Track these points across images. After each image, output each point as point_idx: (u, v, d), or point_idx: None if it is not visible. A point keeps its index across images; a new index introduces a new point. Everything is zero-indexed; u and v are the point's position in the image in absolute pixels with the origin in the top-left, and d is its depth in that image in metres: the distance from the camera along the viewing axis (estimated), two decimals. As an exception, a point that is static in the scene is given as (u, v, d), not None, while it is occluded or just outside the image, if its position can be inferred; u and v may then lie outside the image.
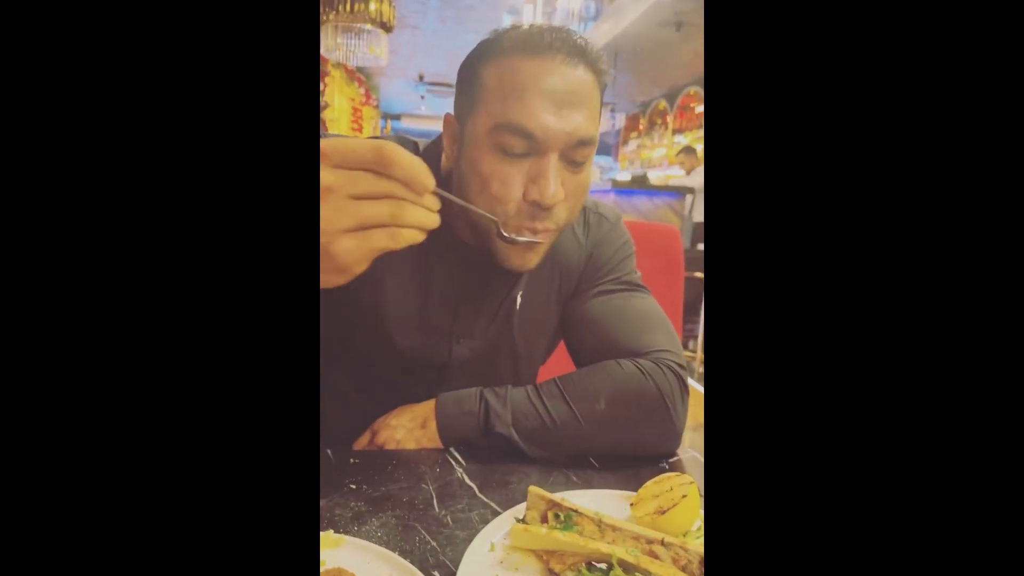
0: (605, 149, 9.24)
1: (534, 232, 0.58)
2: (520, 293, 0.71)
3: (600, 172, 7.81)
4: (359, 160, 0.39)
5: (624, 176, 6.78)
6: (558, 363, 0.85)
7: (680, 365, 0.66)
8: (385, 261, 0.67)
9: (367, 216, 0.39)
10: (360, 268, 0.41)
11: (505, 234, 0.57)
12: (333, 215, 0.38)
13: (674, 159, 6.19)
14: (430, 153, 0.69)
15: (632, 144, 8.55)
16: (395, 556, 0.43)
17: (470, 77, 0.59)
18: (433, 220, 0.42)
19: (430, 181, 0.40)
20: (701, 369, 3.44)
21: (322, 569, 0.41)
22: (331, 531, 0.46)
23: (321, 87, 4.39)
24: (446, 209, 0.66)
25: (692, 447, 0.69)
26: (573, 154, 0.57)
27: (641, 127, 8.23)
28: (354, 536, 0.47)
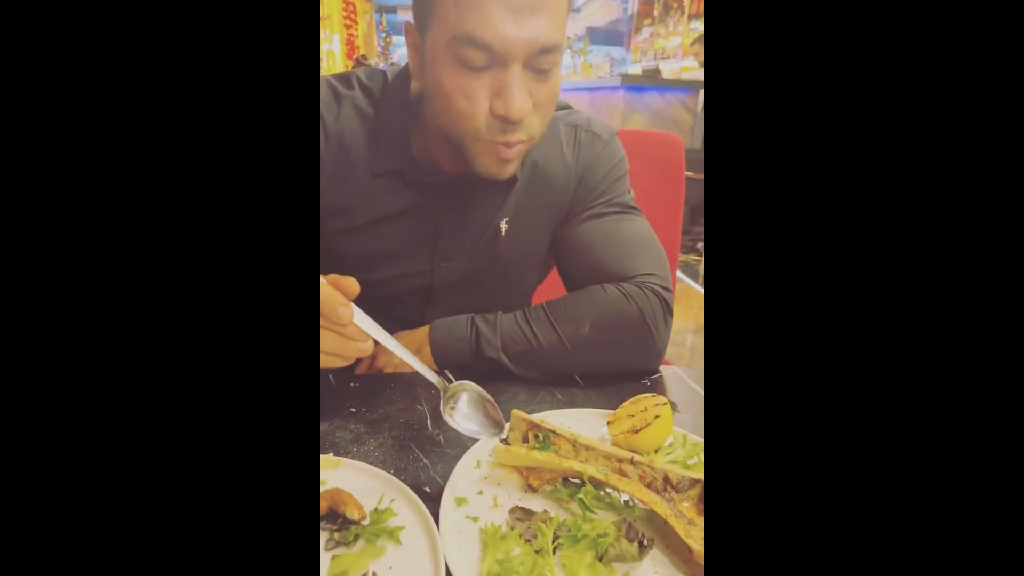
0: (616, 39, 8.58)
1: (507, 146, 0.57)
2: (505, 220, 0.70)
3: (610, 65, 7.34)
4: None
5: (635, 69, 6.37)
6: (555, 286, 0.87)
7: (664, 288, 0.67)
8: (353, 205, 0.66)
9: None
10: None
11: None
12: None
13: (689, 49, 5.76)
14: (399, 84, 0.66)
15: (645, 32, 7.93)
16: (388, 475, 0.48)
17: None
18: (352, 348, 0.44)
19: (339, 316, 0.41)
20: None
21: (321, 489, 0.45)
22: (331, 454, 0.51)
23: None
24: (422, 136, 0.65)
25: (695, 353, 0.72)
26: (537, 62, 0.53)
27: (656, 13, 7.58)
28: (353, 457, 0.51)
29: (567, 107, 0.76)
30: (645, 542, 0.39)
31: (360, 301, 0.57)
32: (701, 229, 3.65)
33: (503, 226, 0.70)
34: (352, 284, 0.43)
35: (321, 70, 4.96)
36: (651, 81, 4.23)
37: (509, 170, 0.60)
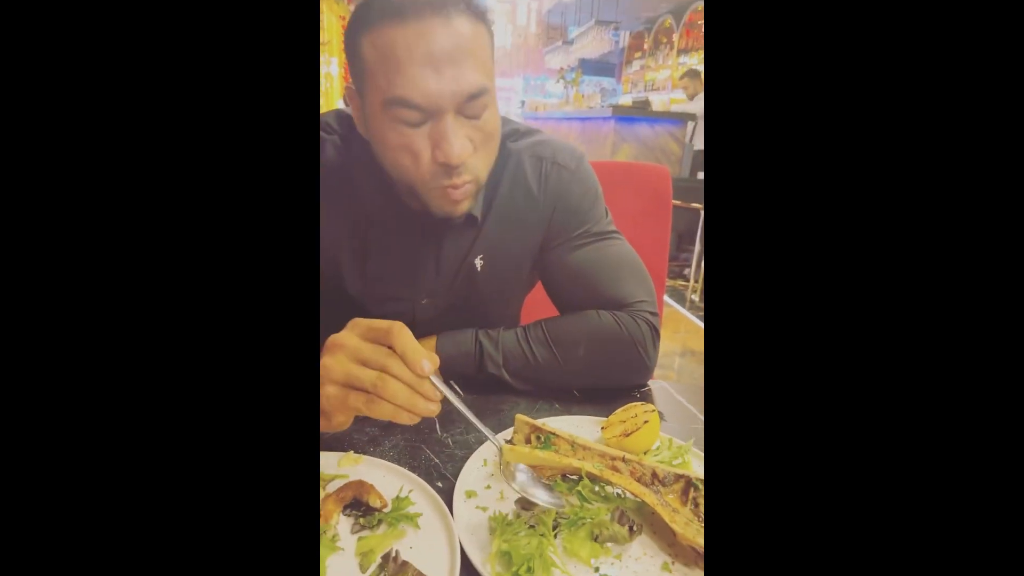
0: (608, 70, 8.86)
1: (455, 188, 0.59)
2: (480, 257, 0.73)
3: (601, 96, 7.55)
4: (374, 333, 0.45)
5: (626, 100, 6.57)
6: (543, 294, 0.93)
7: (652, 313, 0.73)
8: (341, 241, 0.69)
9: (353, 377, 0.45)
10: (340, 419, 0.47)
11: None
12: (331, 365, 0.45)
13: (678, 82, 5.98)
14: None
15: (636, 65, 8.21)
16: (404, 470, 0.53)
17: (353, 49, 0.57)
18: (423, 407, 0.45)
19: (422, 367, 0.44)
20: (693, 297, 3.55)
21: (346, 481, 0.51)
22: (351, 451, 0.56)
23: (309, 6, 4.20)
24: (391, 180, 0.67)
25: (681, 374, 0.79)
26: (468, 109, 0.56)
27: (646, 46, 7.86)
28: (370, 456, 0.56)
29: (533, 131, 0.77)
30: (634, 527, 0.45)
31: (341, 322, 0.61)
32: (688, 256, 3.75)
33: (478, 263, 0.73)
34: (431, 353, 0.45)
35: (321, 92, 5.07)
36: (641, 112, 4.38)
37: (462, 208, 0.62)
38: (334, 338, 0.47)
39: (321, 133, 0.70)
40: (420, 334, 0.77)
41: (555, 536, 0.46)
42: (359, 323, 0.47)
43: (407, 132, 0.56)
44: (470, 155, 0.57)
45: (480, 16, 0.56)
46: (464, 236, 0.73)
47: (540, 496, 0.48)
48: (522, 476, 0.50)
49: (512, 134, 0.76)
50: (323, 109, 0.74)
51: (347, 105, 0.69)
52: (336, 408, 0.47)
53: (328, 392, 0.46)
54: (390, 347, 0.45)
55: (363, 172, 0.68)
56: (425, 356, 0.44)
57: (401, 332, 0.45)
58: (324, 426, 0.49)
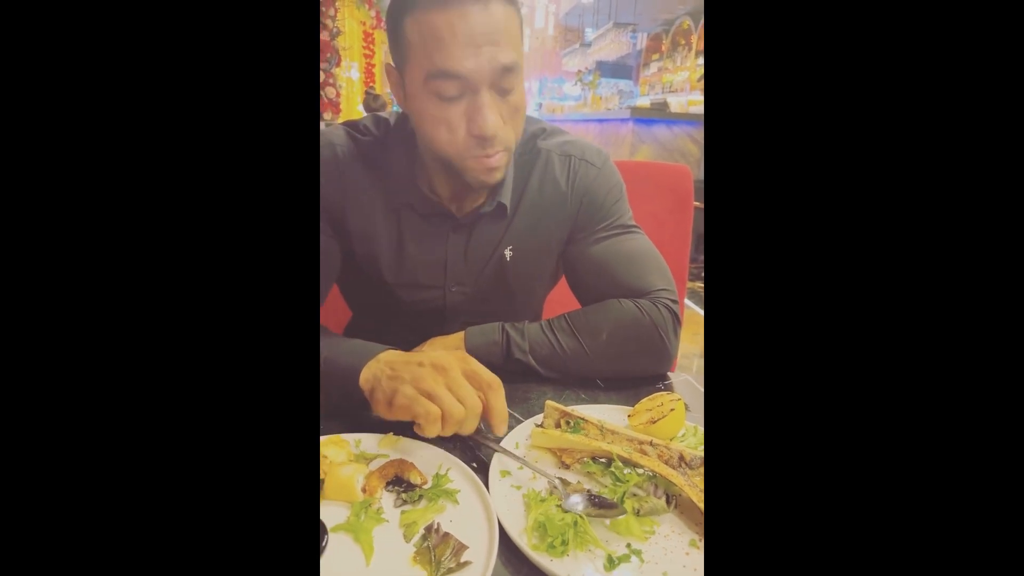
0: (625, 72, 8.85)
1: (487, 158, 0.65)
2: (509, 249, 0.78)
3: (619, 98, 7.53)
4: (478, 379, 0.55)
5: (644, 102, 6.56)
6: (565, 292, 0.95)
7: (673, 301, 0.76)
8: (378, 233, 0.76)
9: (440, 400, 0.52)
10: (396, 415, 0.55)
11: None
12: (424, 377, 0.54)
13: (696, 84, 5.95)
14: (400, 125, 0.76)
15: (653, 67, 8.19)
16: (441, 451, 0.56)
17: (395, 30, 0.63)
18: (466, 426, 0.54)
19: (501, 431, 0.56)
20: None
21: (387, 460, 0.54)
22: (391, 433, 0.59)
23: (332, 12, 4.26)
24: (424, 172, 0.75)
25: (698, 373, 0.81)
26: (501, 82, 0.61)
27: (664, 48, 7.84)
28: (408, 438, 0.59)
29: (562, 131, 0.83)
30: (671, 498, 0.47)
31: (388, 317, 0.65)
32: (706, 257, 3.74)
33: (508, 253, 0.78)
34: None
35: (341, 95, 5.15)
36: (659, 114, 4.38)
37: (496, 176, 0.68)
38: (443, 359, 0.56)
39: (358, 135, 0.76)
40: (449, 321, 0.81)
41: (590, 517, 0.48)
42: (469, 361, 0.57)
43: (444, 106, 0.62)
44: (501, 127, 0.63)
45: (511, 0, 0.63)
46: (495, 227, 0.77)
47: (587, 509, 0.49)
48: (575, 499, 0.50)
49: (541, 133, 0.80)
50: (344, 110, 0.81)
51: (368, 109, 0.75)
52: (401, 408, 0.54)
53: (405, 391, 0.54)
54: (484, 398, 0.55)
55: (400, 169, 0.74)
56: (504, 422, 0.55)
57: (499, 392, 0.55)
58: (380, 412, 0.57)
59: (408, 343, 0.80)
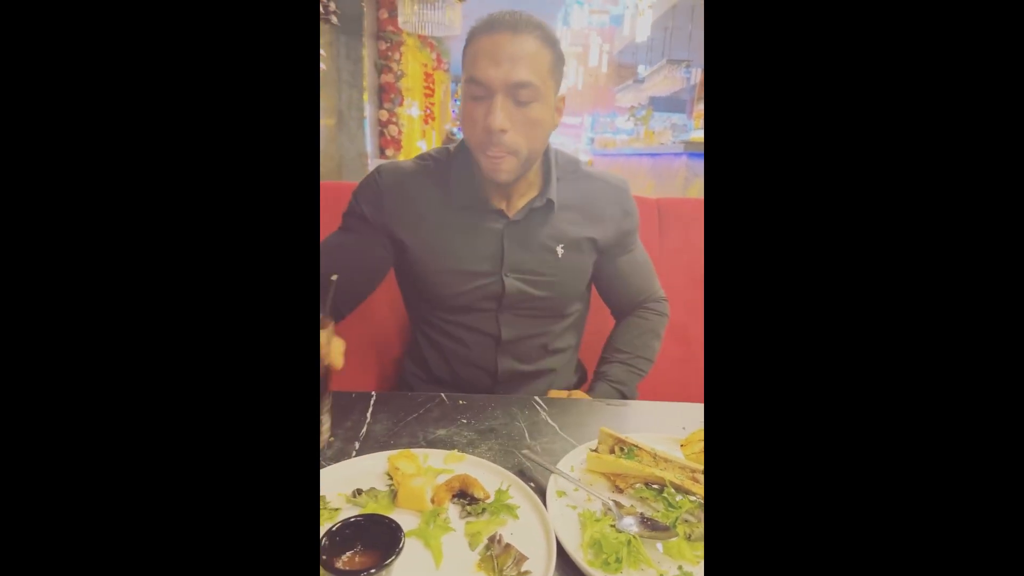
0: (679, 106, 8.87)
1: (494, 156, 0.79)
2: (561, 246, 0.92)
3: (672, 132, 7.55)
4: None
5: (697, 135, 6.53)
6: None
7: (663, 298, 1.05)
8: (444, 230, 0.90)
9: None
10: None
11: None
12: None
13: (752, 118, 5.86)
14: (461, 148, 0.91)
15: (708, 101, 8.15)
16: (502, 469, 0.60)
17: (464, 53, 0.82)
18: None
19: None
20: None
21: (453, 474, 0.58)
22: (455, 450, 0.64)
23: (397, 56, 4.55)
24: (480, 181, 0.88)
25: None
26: (516, 94, 0.77)
27: (718, 82, 7.80)
28: (471, 455, 0.64)
29: (576, 163, 0.98)
30: None
31: (444, 309, 0.73)
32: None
33: (559, 250, 0.91)
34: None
35: (403, 133, 5.43)
36: (713, 148, 4.33)
37: (502, 176, 0.81)
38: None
39: (422, 161, 0.93)
40: (509, 306, 0.92)
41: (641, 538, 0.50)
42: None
43: (473, 105, 0.79)
44: (507, 129, 0.77)
45: (549, 41, 0.79)
46: (545, 220, 0.90)
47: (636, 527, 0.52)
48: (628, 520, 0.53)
49: (580, 163, 0.98)
50: (405, 147, 0.97)
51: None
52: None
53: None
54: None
55: (459, 181, 0.90)
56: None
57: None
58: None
59: (465, 342, 0.93)
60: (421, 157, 0.94)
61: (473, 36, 0.80)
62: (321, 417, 0.65)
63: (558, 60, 0.81)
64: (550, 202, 0.89)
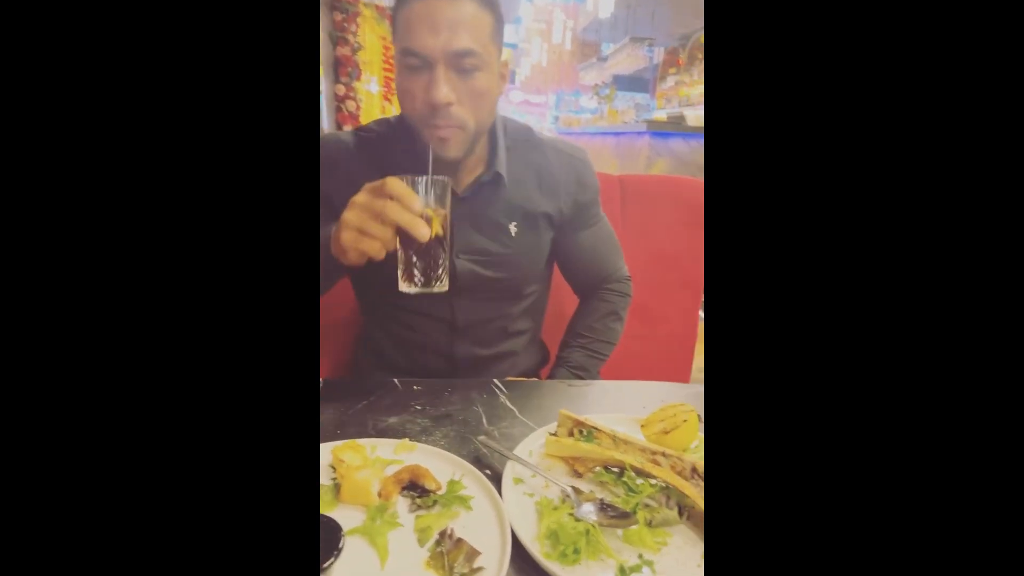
0: (642, 85, 8.88)
1: (438, 129, 0.72)
2: (514, 224, 0.86)
3: (635, 111, 7.56)
4: (374, 190, 0.60)
5: (660, 115, 6.57)
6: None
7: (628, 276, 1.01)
8: None
9: (365, 214, 0.59)
10: (353, 256, 0.61)
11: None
12: (348, 217, 0.60)
13: (713, 97, 5.92)
14: (402, 120, 0.83)
15: (670, 80, 8.20)
16: (457, 457, 0.57)
17: (394, 21, 0.75)
18: (422, 229, 0.59)
19: (414, 203, 0.59)
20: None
21: (403, 465, 0.54)
22: (406, 439, 0.60)
23: (353, 28, 4.35)
24: (421, 157, 0.79)
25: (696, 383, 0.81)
26: (458, 63, 0.70)
27: (681, 62, 7.86)
28: (423, 444, 0.60)
29: (528, 131, 0.91)
30: (683, 509, 0.47)
31: (393, 294, 0.68)
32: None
33: (513, 228, 0.86)
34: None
35: (361, 108, 5.24)
36: (676, 127, 4.37)
37: (451, 151, 0.75)
38: (350, 200, 0.61)
39: (363, 134, 0.86)
40: (463, 291, 0.86)
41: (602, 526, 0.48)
42: (366, 186, 0.61)
43: (410, 77, 0.71)
44: (452, 102, 0.70)
45: (488, 4, 0.72)
46: (495, 196, 0.84)
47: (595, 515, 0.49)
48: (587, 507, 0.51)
49: (531, 131, 0.91)
50: (364, 121, 0.86)
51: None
52: (350, 245, 0.60)
53: (345, 237, 0.60)
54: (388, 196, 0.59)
55: (403, 156, 0.83)
56: (418, 199, 0.59)
57: (393, 181, 0.59)
58: (342, 259, 0.62)
59: (420, 328, 0.87)
60: (363, 129, 0.87)
61: (406, 3, 0.71)
62: None
63: (499, 23, 0.75)
64: (499, 176, 0.82)
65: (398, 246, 0.63)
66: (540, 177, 0.87)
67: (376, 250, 0.60)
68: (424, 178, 0.61)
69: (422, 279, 0.63)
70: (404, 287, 0.64)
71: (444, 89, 0.69)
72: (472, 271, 0.84)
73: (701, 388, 0.80)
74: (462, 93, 0.71)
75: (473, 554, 0.44)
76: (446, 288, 0.65)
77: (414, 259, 0.62)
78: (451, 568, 0.43)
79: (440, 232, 0.62)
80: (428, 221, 0.59)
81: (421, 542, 0.46)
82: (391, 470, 0.54)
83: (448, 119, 0.72)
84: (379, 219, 0.59)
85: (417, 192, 0.60)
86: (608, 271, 0.98)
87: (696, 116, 6.13)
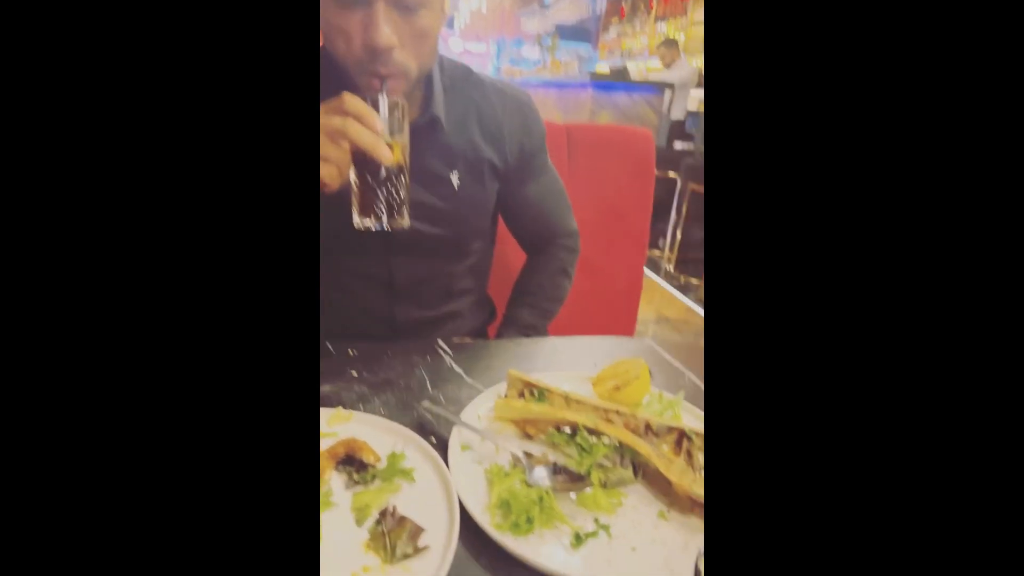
0: (584, 36, 8.70)
1: (377, 76, 0.62)
2: (455, 174, 0.77)
3: (579, 63, 7.43)
4: (332, 107, 0.53)
5: (603, 67, 6.49)
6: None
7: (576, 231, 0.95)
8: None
9: (321, 147, 0.53)
10: (333, 183, 0.55)
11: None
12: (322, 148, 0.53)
13: (655, 50, 5.91)
14: (324, 62, 0.72)
15: (613, 31, 8.08)
16: (398, 426, 0.52)
17: None
18: (384, 150, 0.53)
19: (376, 120, 0.53)
20: (668, 266, 3.59)
21: (337, 439, 0.49)
22: (340, 408, 0.55)
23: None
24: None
25: (657, 339, 0.80)
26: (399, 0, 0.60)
27: (623, 12, 7.73)
28: (360, 413, 0.55)
29: (467, 71, 0.82)
30: (637, 468, 0.45)
31: (323, 252, 0.61)
32: (664, 225, 3.77)
33: (455, 180, 0.77)
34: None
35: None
36: (619, 79, 4.32)
37: (396, 90, 0.65)
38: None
39: None
40: (402, 250, 0.78)
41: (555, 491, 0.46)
42: (322, 104, 0.54)
43: (343, 14, 0.60)
44: (395, 45, 0.61)
45: None
46: (433, 141, 0.74)
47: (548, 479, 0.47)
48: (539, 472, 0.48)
49: (471, 70, 0.81)
50: None
51: None
52: (332, 175, 0.54)
53: (325, 171, 0.53)
54: (346, 113, 0.53)
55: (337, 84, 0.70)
56: (375, 114, 0.54)
57: (352, 98, 0.53)
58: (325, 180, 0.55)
59: (357, 290, 0.78)
60: None
61: None
62: None
63: None
64: (436, 118, 0.73)
65: (352, 176, 0.55)
66: (482, 120, 0.78)
67: (332, 176, 0.53)
68: (384, 97, 0.53)
69: (385, 212, 0.55)
70: (364, 222, 0.56)
71: (385, 30, 0.59)
72: (411, 227, 0.77)
73: (651, 342, 0.79)
74: (404, 34, 0.61)
75: (417, 532, 0.40)
76: (408, 224, 0.58)
77: (376, 188, 0.54)
78: (393, 549, 0.39)
79: (401, 161, 0.55)
80: (389, 148, 0.53)
81: (359, 522, 0.42)
82: (325, 444, 0.49)
83: (389, 66, 0.61)
84: (335, 140, 0.52)
85: (378, 112, 0.53)
86: (557, 226, 0.92)
87: (638, 68, 6.09)
